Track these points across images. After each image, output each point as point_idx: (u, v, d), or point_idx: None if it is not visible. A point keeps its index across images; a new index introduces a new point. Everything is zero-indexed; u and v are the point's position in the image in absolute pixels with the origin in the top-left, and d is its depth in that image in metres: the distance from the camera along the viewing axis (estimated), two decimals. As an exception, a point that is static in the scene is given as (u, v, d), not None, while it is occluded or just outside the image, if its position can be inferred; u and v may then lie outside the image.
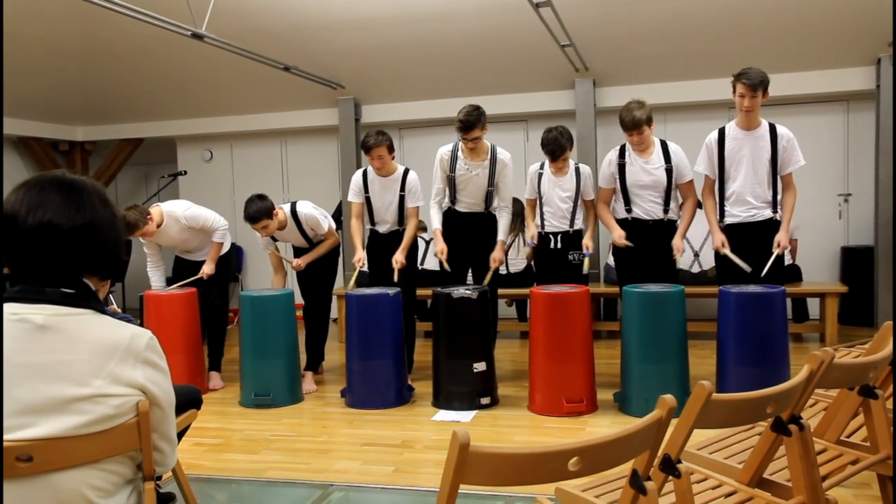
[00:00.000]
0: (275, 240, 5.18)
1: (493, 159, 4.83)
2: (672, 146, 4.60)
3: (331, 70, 6.95)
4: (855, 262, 6.58)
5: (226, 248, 5.28)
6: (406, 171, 5.04)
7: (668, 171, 4.53)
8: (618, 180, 4.62)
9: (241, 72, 6.84)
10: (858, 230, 6.77)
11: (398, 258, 4.90)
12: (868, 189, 6.61)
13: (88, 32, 6.40)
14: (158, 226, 4.93)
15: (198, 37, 5.10)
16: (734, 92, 4.27)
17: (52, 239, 1.44)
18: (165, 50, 6.55)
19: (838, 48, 6.17)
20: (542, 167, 4.90)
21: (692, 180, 4.60)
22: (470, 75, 6.90)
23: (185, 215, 5.02)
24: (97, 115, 8.20)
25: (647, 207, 4.58)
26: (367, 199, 5.07)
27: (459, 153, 4.85)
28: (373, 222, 5.13)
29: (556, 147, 4.66)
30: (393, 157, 4.95)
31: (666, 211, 4.58)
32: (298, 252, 5.25)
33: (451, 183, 4.91)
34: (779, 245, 4.25)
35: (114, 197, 1.64)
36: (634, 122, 4.42)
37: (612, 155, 4.68)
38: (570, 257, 4.82)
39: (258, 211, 4.75)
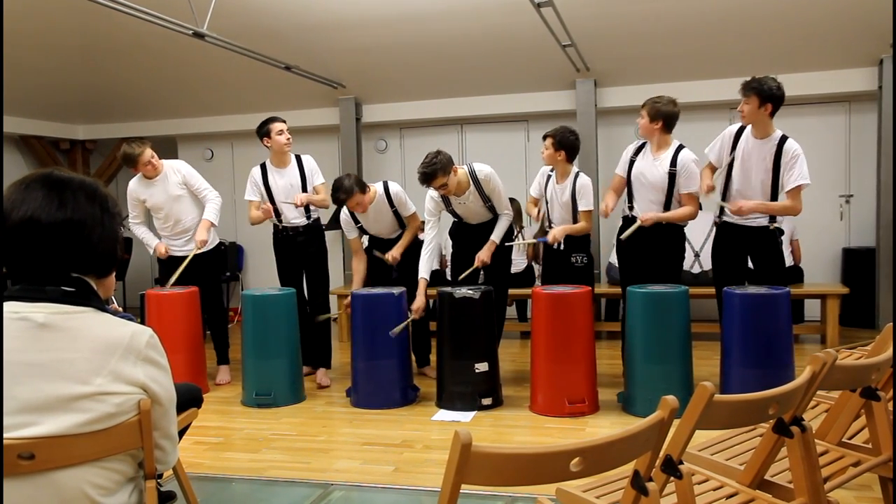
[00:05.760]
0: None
1: (476, 182, 4.71)
2: (682, 155, 4.47)
3: (332, 69, 6.95)
4: (856, 263, 6.57)
5: (214, 239, 5.25)
6: (386, 188, 4.98)
7: (671, 176, 4.48)
8: (626, 172, 4.63)
9: (242, 71, 6.84)
10: (860, 231, 6.76)
11: (394, 254, 4.93)
12: (870, 190, 6.60)
13: (89, 30, 6.40)
14: (155, 173, 4.99)
15: (199, 36, 5.09)
16: None
17: (33, 235, 1.44)
18: (167, 48, 6.55)
19: (840, 49, 6.16)
20: (551, 170, 4.88)
21: (696, 196, 4.51)
22: (471, 75, 6.90)
23: (185, 168, 5.12)
24: (98, 113, 8.20)
25: (647, 208, 4.54)
26: (361, 228, 5.09)
27: None
28: (372, 236, 5.15)
29: (549, 132, 4.75)
30: (367, 191, 4.83)
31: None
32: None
33: (453, 213, 4.93)
34: (739, 207, 4.24)
35: (114, 196, 1.58)
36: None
37: (631, 147, 4.69)
38: (573, 259, 4.81)
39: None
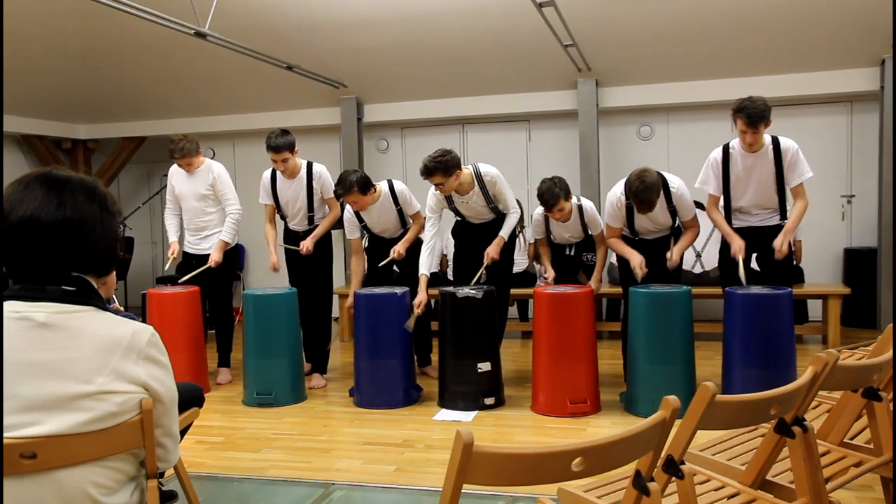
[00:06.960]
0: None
1: (481, 183, 4.68)
2: (672, 186, 4.39)
3: (333, 69, 6.95)
4: (858, 263, 6.56)
5: (233, 241, 5.31)
6: (391, 186, 4.97)
7: (672, 213, 4.47)
8: (626, 219, 4.55)
9: (244, 70, 6.84)
10: (861, 232, 6.75)
11: (399, 249, 4.90)
12: (871, 190, 6.59)
13: (91, 30, 6.40)
14: (195, 165, 5.11)
15: (201, 35, 5.10)
16: (735, 123, 4.16)
17: (33, 234, 1.44)
18: (168, 48, 6.55)
19: (842, 49, 6.16)
20: (544, 213, 4.89)
21: (695, 216, 4.53)
22: (472, 75, 6.90)
23: (219, 171, 5.18)
24: (100, 113, 8.21)
25: (654, 237, 4.64)
26: (364, 227, 5.08)
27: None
28: (373, 236, 5.14)
29: (549, 196, 4.60)
30: (368, 192, 4.80)
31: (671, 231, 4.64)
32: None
33: (456, 212, 4.92)
34: (778, 251, 4.21)
35: (115, 195, 1.59)
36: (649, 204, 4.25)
37: (619, 196, 4.46)
38: (584, 258, 4.89)
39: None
